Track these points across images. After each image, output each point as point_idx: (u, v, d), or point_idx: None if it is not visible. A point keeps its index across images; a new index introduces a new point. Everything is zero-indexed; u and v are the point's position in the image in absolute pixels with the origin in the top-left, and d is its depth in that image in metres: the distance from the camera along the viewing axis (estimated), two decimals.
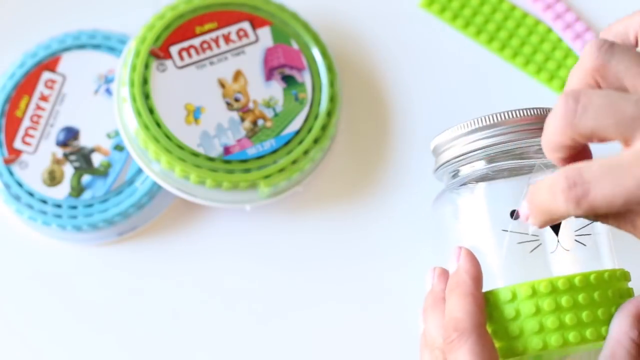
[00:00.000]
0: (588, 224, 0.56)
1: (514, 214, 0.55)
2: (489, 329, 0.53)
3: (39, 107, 0.68)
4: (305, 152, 0.66)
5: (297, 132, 0.66)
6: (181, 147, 0.65)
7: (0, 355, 0.65)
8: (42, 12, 0.73)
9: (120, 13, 0.72)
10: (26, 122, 0.67)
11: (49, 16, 0.72)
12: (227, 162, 0.65)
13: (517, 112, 0.55)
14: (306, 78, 0.68)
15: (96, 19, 0.72)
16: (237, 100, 0.67)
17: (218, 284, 0.66)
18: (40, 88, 0.68)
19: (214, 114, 0.66)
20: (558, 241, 0.54)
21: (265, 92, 0.67)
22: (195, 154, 0.65)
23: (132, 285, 0.67)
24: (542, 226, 0.47)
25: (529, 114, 0.55)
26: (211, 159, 0.65)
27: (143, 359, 0.65)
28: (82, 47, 0.69)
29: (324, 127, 0.67)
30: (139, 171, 0.66)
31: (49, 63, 0.69)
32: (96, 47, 0.69)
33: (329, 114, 0.67)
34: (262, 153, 0.66)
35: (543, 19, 0.72)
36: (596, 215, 0.45)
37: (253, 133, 0.66)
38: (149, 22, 0.67)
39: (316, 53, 0.69)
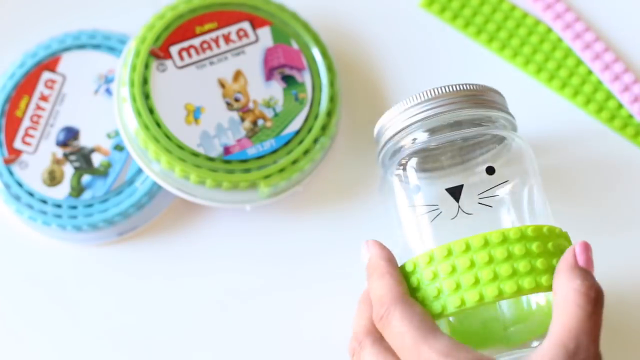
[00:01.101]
0: (495, 186, 0.56)
1: (416, 188, 0.57)
2: None
3: (39, 107, 0.68)
4: (305, 152, 0.66)
5: (297, 132, 0.66)
6: (181, 147, 0.65)
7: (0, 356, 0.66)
8: (42, 12, 0.73)
9: (120, 13, 0.72)
10: (26, 122, 0.67)
11: (49, 16, 0.72)
12: (227, 162, 0.65)
13: (450, 87, 0.58)
14: (306, 78, 0.68)
15: (96, 19, 0.72)
16: (237, 100, 0.67)
17: (218, 283, 0.66)
18: (40, 88, 0.68)
19: (214, 114, 0.66)
20: (459, 207, 0.56)
21: (265, 92, 0.67)
22: (195, 154, 0.65)
23: (132, 286, 0.67)
24: None
25: (461, 88, 0.58)
26: (211, 159, 0.65)
27: (143, 359, 0.65)
28: (82, 47, 0.69)
29: (324, 127, 0.67)
30: (139, 171, 0.66)
31: (49, 63, 0.69)
32: (96, 47, 0.69)
33: (329, 114, 0.67)
34: (262, 153, 0.66)
35: (543, 19, 0.72)
36: None
37: (253, 133, 0.66)
38: (149, 22, 0.67)
39: (316, 53, 0.69)
